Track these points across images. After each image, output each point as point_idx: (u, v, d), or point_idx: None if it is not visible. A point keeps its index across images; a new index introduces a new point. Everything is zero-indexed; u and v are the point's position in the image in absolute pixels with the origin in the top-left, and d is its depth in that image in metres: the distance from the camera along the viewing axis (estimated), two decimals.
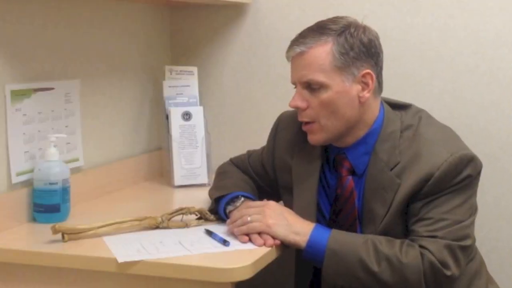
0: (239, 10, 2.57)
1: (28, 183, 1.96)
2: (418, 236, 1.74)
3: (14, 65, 1.93)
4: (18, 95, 1.92)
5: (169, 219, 1.88)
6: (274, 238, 1.76)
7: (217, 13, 2.60)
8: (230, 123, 2.62)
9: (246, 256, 1.66)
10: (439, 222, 1.74)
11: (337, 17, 1.84)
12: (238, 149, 2.54)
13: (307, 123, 1.84)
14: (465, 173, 1.77)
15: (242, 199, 1.90)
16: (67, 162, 2.06)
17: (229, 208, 1.89)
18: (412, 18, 2.37)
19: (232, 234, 1.80)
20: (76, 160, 2.17)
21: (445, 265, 1.71)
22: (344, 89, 1.79)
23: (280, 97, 2.54)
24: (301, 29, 2.48)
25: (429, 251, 1.71)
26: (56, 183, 1.93)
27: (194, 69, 2.51)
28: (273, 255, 1.76)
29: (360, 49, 1.78)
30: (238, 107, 2.61)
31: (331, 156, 1.90)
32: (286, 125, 2.02)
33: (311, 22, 2.46)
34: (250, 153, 2.16)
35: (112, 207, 2.14)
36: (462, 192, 1.77)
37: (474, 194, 1.82)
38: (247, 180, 2.07)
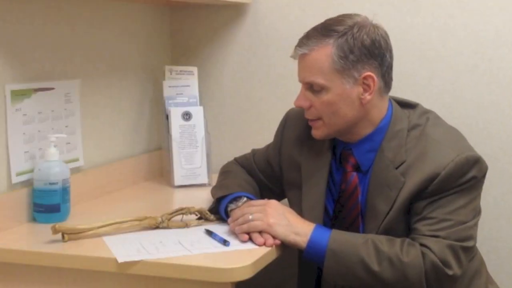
0: (239, 10, 2.57)
1: (28, 183, 1.96)
2: (420, 235, 1.74)
3: (14, 65, 1.93)
4: (18, 95, 1.92)
5: (169, 219, 1.88)
6: (274, 237, 1.76)
7: (217, 13, 2.60)
8: (230, 123, 2.62)
9: (246, 256, 1.66)
10: (442, 222, 1.74)
11: (344, 16, 1.85)
12: (238, 149, 2.54)
13: (312, 120, 1.87)
14: (470, 174, 1.77)
15: (245, 199, 1.91)
16: (67, 162, 2.06)
17: (231, 206, 1.90)
18: (412, 18, 2.37)
19: (233, 233, 1.80)
20: (76, 160, 2.17)
21: (447, 264, 1.71)
22: (344, 91, 1.80)
23: (280, 97, 2.54)
24: (301, 29, 2.48)
25: (431, 250, 1.71)
26: (56, 183, 1.93)
27: (194, 69, 2.51)
28: (273, 255, 1.76)
29: (361, 51, 1.78)
30: (238, 107, 2.61)
31: (338, 152, 1.91)
32: (295, 122, 2.03)
33: (311, 22, 2.45)
34: (255, 152, 2.16)
35: (112, 207, 2.14)
36: (467, 193, 1.78)
37: (478, 196, 1.83)
38: (251, 182, 2.07)
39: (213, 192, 2.05)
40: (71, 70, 2.15)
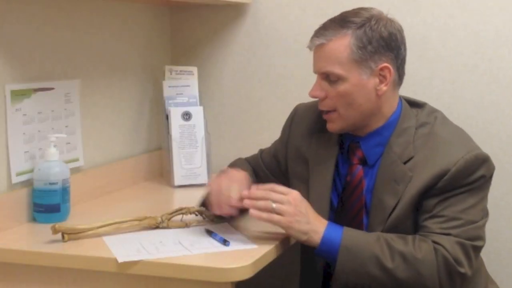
0: (239, 10, 2.57)
1: (28, 183, 1.96)
2: (431, 232, 1.75)
3: (14, 65, 1.93)
4: (18, 95, 1.92)
5: (169, 219, 1.88)
6: (287, 234, 1.76)
7: (217, 13, 2.60)
8: (230, 123, 2.62)
9: (246, 256, 1.66)
10: (453, 221, 1.75)
11: (360, 9, 1.86)
12: (238, 149, 2.55)
13: (327, 112, 1.87)
14: (479, 172, 1.79)
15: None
16: (67, 162, 2.06)
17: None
18: (412, 18, 2.37)
19: (230, 232, 1.81)
20: (76, 160, 2.17)
21: (458, 261, 1.72)
22: (361, 82, 1.81)
23: (280, 97, 2.54)
24: (301, 29, 2.50)
25: (443, 246, 1.72)
26: (56, 183, 1.93)
27: (194, 69, 2.51)
28: (274, 255, 1.76)
29: (379, 43, 1.80)
30: (238, 107, 2.61)
31: (345, 145, 1.91)
32: (303, 116, 2.04)
33: (311, 22, 2.46)
34: (262, 150, 2.18)
35: (112, 207, 2.14)
36: (476, 193, 1.79)
37: (486, 196, 1.84)
38: (248, 167, 2.07)
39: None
40: (71, 70, 2.15)
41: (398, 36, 1.84)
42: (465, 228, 1.75)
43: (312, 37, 1.86)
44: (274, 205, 1.74)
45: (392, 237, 1.75)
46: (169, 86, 2.48)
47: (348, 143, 1.91)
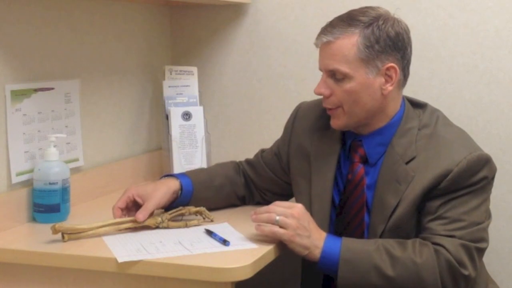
0: (239, 10, 2.57)
1: (28, 183, 1.96)
2: (435, 234, 1.75)
3: (14, 65, 1.93)
4: (18, 95, 1.92)
5: (169, 219, 1.88)
6: (289, 249, 1.76)
7: (217, 13, 2.60)
8: (230, 123, 2.62)
9: (246, 256, 1.66)
10: (456, 222, 1.75)
11: (368, 8, 1.87)
12: (238, 149, 2.55)
13: (331, 108, 1.87)
14: (482, 173, 1.80)
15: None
16: (67, 162, 2.06)
17: None
18: (412, 18, 2.37)
19: (232, 233, 1.80)
20: (76, 160, 2.17)
21: (462, 264, 1.72)
22: (367, 81, 1.81)
23: (280, 97, 2.54)
24: (301, 29, 2.50)
25: (446, 248, 1.72)
26: (56, 183, 1.93)
27: (194, 69, 2.51)
28: (274, 255, 1.76)
29: (386, 42, 1.81)
30: (238, 107, 2.61)
31: (347, 143, 1.92)
32: (306, 113, 2.04)
33: (311, 22, 2.47)
34: (263, 150, 2.18)
35: (111, 208, 2.13)
36: (479, 194, 1.80)
37: (488, 198, 1.85)
38: (218, 175, 2.09)
39: None
40: (71, 70, 2.15)
41: (405, 36, 1.85)
42: (469, 230, 1.75)
43: (319, 34, 1.86)
44: (277, 217, 1.74)
45: (392, 244, 1.74)
46: (169, 86, 2.47)
47: (350, 141, 1.91)
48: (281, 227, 1.74)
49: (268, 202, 1.87)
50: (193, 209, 1.93)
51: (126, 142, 2.45)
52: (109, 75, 2.34)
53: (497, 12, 2.31)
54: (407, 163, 1.82)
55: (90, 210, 2.08)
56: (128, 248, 1.70)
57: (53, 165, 1.94)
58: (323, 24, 1.88)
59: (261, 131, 2.57)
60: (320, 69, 1.88)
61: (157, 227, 1.86)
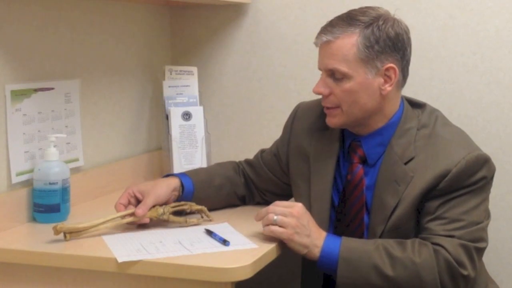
0: (239, 10, 2.57)
1: (28, 183, 1.96)
2: (434, 234, 1.75)
3: (14, 65, 1.93)
4: (18, 95, 1.92)
5: (170, 212, 1.87)
6: (288, 247, 1.77)
7: (217, 13, 2.60)
8: (230, 123, 2.62)
9: (246, 256, 1.66)
10: (455, 222, 1.75)
11: (368, 8, 1.87)
12: (238, 149, 2.55)
13: (329, 107, 1.88)
14: (481, 173, 1.80)
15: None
16: (67, 162, 2.06)
17: None
18: (412, 18, 2.37)
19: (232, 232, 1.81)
20: (76, 160, 2.17)
21: (461, 264, 1.72)
22: (367, 81, 1.82)
23: (280, 97, 2.54)
24: (301, 29, 2.50)
25: (445, 248, 1.72)
26: (56, 183, 1.93)
27: (194, 69, 2.51)
28: (274, 255, 1.76)
29: (386, 43, 1.81)
30: (238, 107, 2.61)
31: (346, 144, 1.92)
32: (305, 113, 2.04)
33: (311, 22, 2.47)
34: (263, 150, 2.18)
35: (112, 207, 2.13)
36: (478, 194, 1.80)
37: (487, 198, 1.85)
38: (218, 174, 2.10)
39: None
40: (71, 70, 2.15)
41: (405, 37, 1.85)
42: (468, 230, 1.75)
43: (319, 34, 1.86)
44: (275, 217, 1.75)
45: (391, 244, 1.74)
46: (169, 86, 2.47)
47: (349, 142, 1.91)
48: (280, 226, 1.75)
49: (268, 203, 1.88)
50: (195, 206, 1.93)
51: (126, 142, 2.45)
52: (109, 75, 2.35)
53: (497, 12, 2.31)
54: (406, 163, 1.82)
55: (90, 210, 2.08)
56: (128, 248, 1.70)
57: (53, 165, 1.94)
58: (323, 24, 1.88)
59: (261, 131, 2.57)
60: (320, 69, 1.88)
61: (157, 219, 1.86)
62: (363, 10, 1.86)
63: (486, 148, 2.23)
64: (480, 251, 1.78)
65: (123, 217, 1.84)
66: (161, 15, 2.63)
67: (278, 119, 2.36)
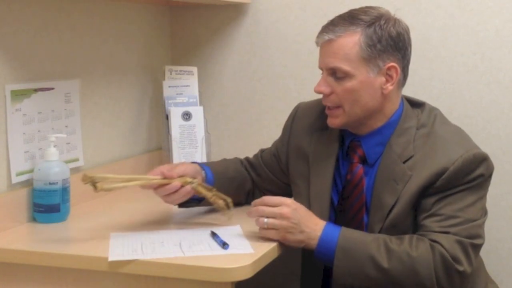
0: (239, 10, 2.57)
1: (28, 183, 1.96)
2: (430, 231, 1.76)
3: (14, 65, 1.93)
4: (18, 95, 1.93)
5: (202, 186, 1.86)
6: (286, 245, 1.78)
7: (217, 13, 2.60)
8: (230, 123, 2.62)
9: (245, 256, 1.66)
10: (451, 219, 1.76)
11: (369, 8, 1.87)
12: (238, 149, 2.55)
13: (331, 107, 1.87)
14: (478, 171, 1.80)
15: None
16: (67, 162, 2.06)
17: None
18: (412, 18, 2.37)
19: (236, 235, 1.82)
20: (76, 160, 2.17)
21: (456, 260, 1.72)
22: (368, 79, 1.82)
23: (280, 97, 2.54)
24: (301, 29, 2.50)
25: (441, 244, 1.72)
26: (56, 183, 1.93)
27: (194, 69, 2.51)
28: (274, 255, 1.76)
29: (388, 42, 1.81)
30: (238, 107, 2.61)
31: (346, 143, 1.92)
32: (304, 114, 2.05)
33: (311, 22, 2.47)
34: (262, 150, 2.18)
35: (112, 207, 2.14)
36: (475, 192, 1.80)
37: (485, 196, 1.85)
38: (229, 166, 2.09)
39: None
40: (71, 70, 2.15)
41: (406, 36, 1.86)
42: (463, 227, 1.75)
43: (321, 32, 1.86)
44: (265, 220, 1.76)
45: (390, 238, 1.75)
46: (169, 86, 2.47)
47: (348, 142, 1.91)
48: (271, 228, 1.76)
49: None
50: (221, 195, 1.90)
51: (126, 142, 2.45)
52: (109, 75, 2.35)
53: (497, 12, 2.31)
54: (404, 162, 1.82)
55: (90, 210, 2.08)
56: (126, 247, 1.70)
57: (53, 165, 1.94)
58: (323, 24, 1.88)
59: (261, 131, 2.57)
60: (320, 68, 1.88)
61: (185, 188, 1.84)
62: (365, 10, 1.86)
63: (486, 148, 2.23)
64: (477, 247, 1.78)
65: (152, 179, 1.83)
66: (161, 15, 2.63)
67: (278, 119, 2.36)
